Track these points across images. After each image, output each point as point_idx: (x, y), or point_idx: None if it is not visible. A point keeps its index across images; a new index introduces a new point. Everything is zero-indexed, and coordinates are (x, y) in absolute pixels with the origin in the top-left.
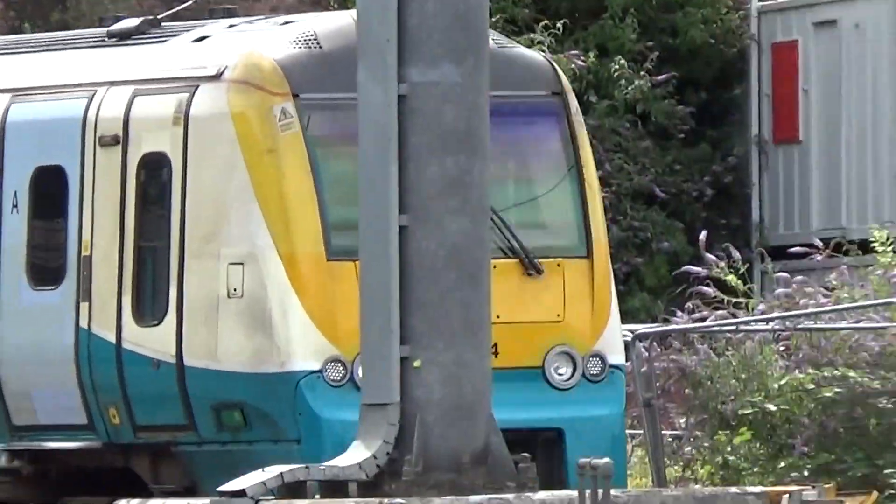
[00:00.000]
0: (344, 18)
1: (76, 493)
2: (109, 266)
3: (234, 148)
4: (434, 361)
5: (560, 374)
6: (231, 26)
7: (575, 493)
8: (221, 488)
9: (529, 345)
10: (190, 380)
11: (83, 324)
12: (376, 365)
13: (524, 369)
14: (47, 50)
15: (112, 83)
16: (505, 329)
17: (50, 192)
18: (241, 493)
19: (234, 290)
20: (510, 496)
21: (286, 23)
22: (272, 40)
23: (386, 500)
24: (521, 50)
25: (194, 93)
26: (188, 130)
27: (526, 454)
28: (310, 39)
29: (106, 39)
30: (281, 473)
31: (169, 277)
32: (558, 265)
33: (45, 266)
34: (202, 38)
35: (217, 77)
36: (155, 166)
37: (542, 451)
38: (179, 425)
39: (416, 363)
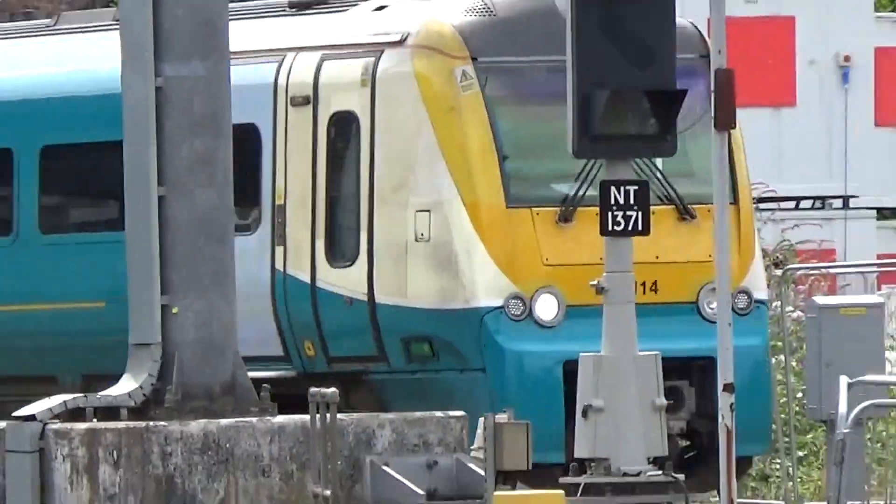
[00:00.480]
0: None
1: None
2: (303, 214)
3: (418, 107)
4: (189, 308)
5: (711, 309)
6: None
7: (307, 416)
8: (15, 413)
9: (684, 282)
10: (381, 315)
11: (278, 265)
12: (142, 312)
13: (680, 304)
14: (232, 19)
15: (300, 49)
16: (663, 268)
17: (244, 147)
18: (31, 418)
19: (422, 234)
20: (253, 420)
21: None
22: (450, 8)
23: (151, 424)
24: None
25: (379, 57)
26: (375, 91)
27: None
28: (485, 8)
29: (287, 10)
30: (64, 401)
31: (359, 224)
32: (709, 211)
33: (242, 214)
34: (381, 7)
35: (401, 42)
36: (344, 124)
37: (697, 376)
38: (371, 356)
39: (175, 310)
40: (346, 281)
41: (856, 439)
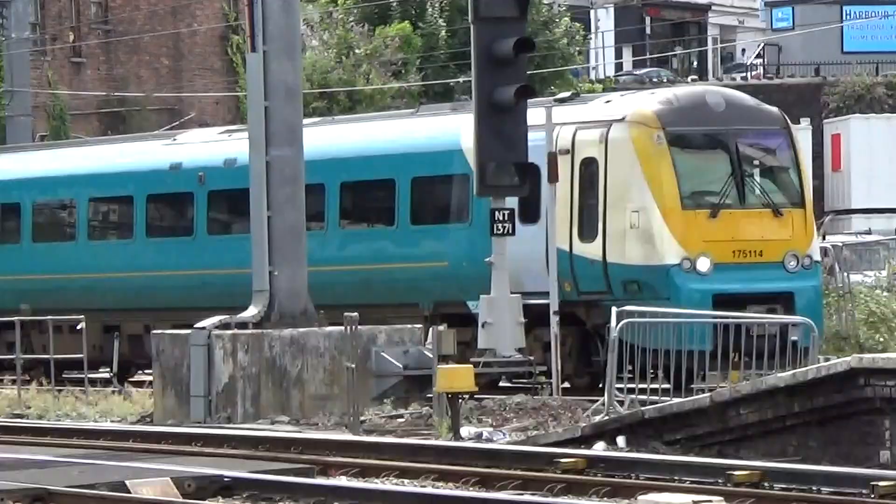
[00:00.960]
0: (687, 89)
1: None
2: (565, 213)
3: (632, 155)
4: (282, 273)
5: (790, 265)
6: (623, 95)
7: (342, 327)
8: (195, 325)
9: (776, 250)
10: (610, 269)
11: (551, 241)
12: (260, 274)
13: (774, 262)
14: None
15: (564, 123)
16: (765, 243)
17: (533, 176)
18: (203, 328)
19: (633, 224)
20: (315, 328)
21: (651, 93)
22: (649, 100)
23: (263, 331)
24: (769, 108)
25: (609, 127)
26: (607, 146)
27: None
28: (668, 100)
29: (555, 103)
30: (220, 319)
31: (597, 218)
32: (791, 212)
33: (531, 214)
34: (608, 101)
35: (621, 120)
36: (588, 164)
37: (783, 304)
38: (602, 291)
39: (275, 273)
40: (589, 250)
41: None
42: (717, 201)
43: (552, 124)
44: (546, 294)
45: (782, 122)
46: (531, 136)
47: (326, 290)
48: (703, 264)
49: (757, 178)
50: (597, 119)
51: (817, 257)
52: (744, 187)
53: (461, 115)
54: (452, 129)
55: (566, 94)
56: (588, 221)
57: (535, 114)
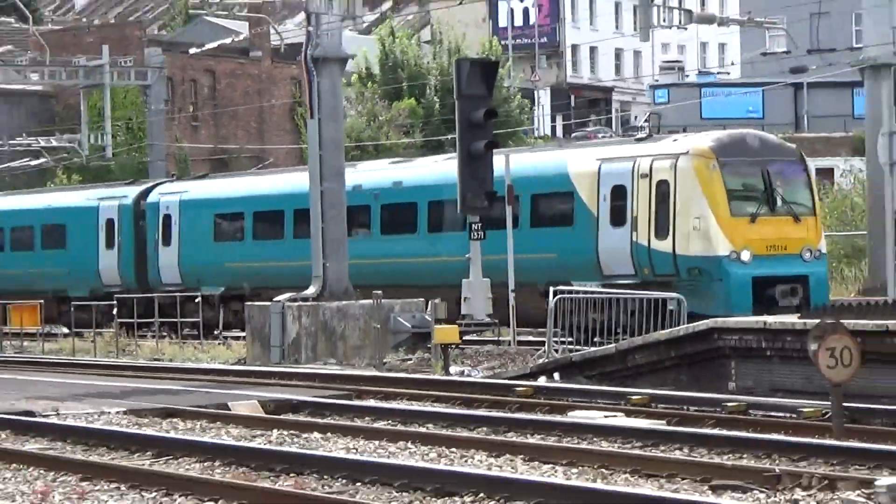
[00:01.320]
0: (731, 131)
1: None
2: (644, 217)
3: (694, 178)
4: (331, 264)
5: (806, 256)
6: (686, 136)
7: (371, 300)
8: (274, 299)
9: (796, 246)
10: (679, 259)
11: (633, 239)
12: (317, 264)
13: (794, 254)
14: (608, 144)
15: (642, 155)
16: (789, 241)
17: (617, 195)
18: (279, 302)
19: (696, 227)
20: (353, 301)
21: (707, 134)
22: (704, 139)
23: (319, 303)
24: (789, 144)
25: (677, 158)
26: (676, 172)
27: None
28: (720, 138)
29: (634, 141)
30: (290, 295)
31: (669, 221)
32: (806, 218)
33: (620, 219)
34: (675, 139)
35: (686, 153)
36: (662, 185)
37: (801, 284)
38: (672, 274)
39: (327, 264)
40: (663, 245)
41: None
42: (754, 211)
43: (633, 156)
44: (628, 276)
45: (799, 155)
46: (618, 165)
47: (490, 271)
48: (746, 256)
49: (782, 194)
50: (667, 152)
51: (824, 250)
52: (773, 201)
53: (567, 150)
54: (561, 160)
55: (643, 135)
56: (662, 225)
57: (619, 150)
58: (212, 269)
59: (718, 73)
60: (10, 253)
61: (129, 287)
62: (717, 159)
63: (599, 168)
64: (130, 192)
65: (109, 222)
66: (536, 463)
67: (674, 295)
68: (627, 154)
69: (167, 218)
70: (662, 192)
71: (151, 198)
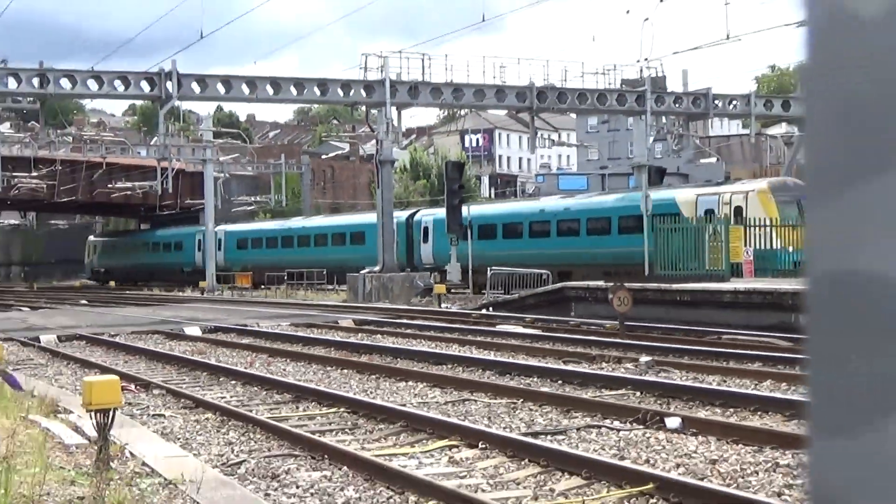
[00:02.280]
0: (778, 178)
1: None
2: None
3: (760, 205)
4: (387, 259)
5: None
6: (752, 181)
7: (415, 273)
8: (348, 274)
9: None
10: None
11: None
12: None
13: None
14: (701, 186)
15: (725, 192)
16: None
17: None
18: (358, 274)
19: (761, 236)
20: (400, 273)
21: (764, 178)
22: (763, 182)
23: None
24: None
25: (748, 193)
26: (748, 201)
27: None
28: (774, 181)
29: (720, 184)
30: (368, 271)
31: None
32: None
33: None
34: (743, 182)
35: (753, 190)
36: (738, 210)
37: None
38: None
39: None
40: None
41: None
42: (795, 225)
43: (719, 192)
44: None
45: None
46: (710, 197)
47: (582, 258)
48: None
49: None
50: (742, 190)
51: None
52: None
53: (674, 190)
54: (670, 194)
55: (722, 180)
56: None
57: (707, 189)
58: (445, 255)
59: (564, 169)
60: (330, 247)
61: (402, 267)
62: (772, 193)
63: (697, 199)
64: (403, 214)
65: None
66: (482, 349)
67: (545, 271)
68: (713, 191)
69: (426, 228)
70: (738, 213)
71: (416, 217)
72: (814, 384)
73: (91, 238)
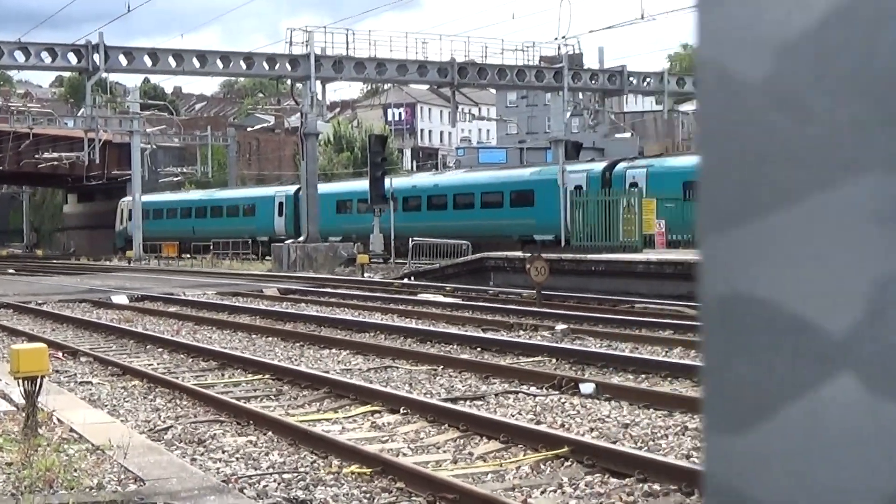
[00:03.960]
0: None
1: None
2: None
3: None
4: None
5: None
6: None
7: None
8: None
9: None
10: None
11: None
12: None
13: None
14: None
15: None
16: None
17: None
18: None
19: None
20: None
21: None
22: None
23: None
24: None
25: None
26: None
27: None
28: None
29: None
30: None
31: None
32: None
33: None
34: (591, 159)
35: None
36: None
37: None
38: None
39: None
40: None
41: None
42: None
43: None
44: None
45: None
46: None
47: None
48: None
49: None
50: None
51: None
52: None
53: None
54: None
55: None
56: None
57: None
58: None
59: (484, 142)
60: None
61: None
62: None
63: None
64: (282, 189)
65: (280, 204)
66: (403, 318)
67: (465, 242)
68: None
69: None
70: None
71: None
72: (707, 386)
73: (124, 200)
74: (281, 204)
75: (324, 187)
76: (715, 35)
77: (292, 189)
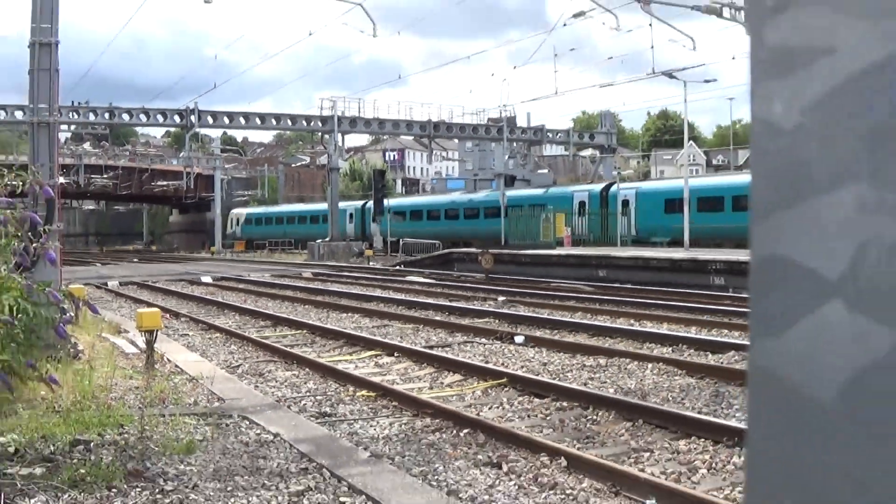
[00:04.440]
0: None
1: None
2: None
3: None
4: None
5: None
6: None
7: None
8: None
9: None
10: None
11: None
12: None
13: None
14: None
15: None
16: None
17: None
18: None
19: None
20: None
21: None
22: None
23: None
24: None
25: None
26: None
27: None
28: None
29: (543, 187)
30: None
31: None
32: None
33: None
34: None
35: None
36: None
37: None
38: None
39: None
40: None
41: None
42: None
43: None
44: None
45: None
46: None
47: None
48: None
49: None
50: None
51: None
52: None
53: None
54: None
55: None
56: None
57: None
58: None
59: (451, 175)
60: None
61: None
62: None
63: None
64: (351, 203)
65: (350, 214)
66: (396, 292)
67: (437, 241)
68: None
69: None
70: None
71: (367, 205)
72: (753, 310)
73: (234, 211)
74: (351, 214)
75: (344, 204)
76: (764, 99)
77: (360, 203)
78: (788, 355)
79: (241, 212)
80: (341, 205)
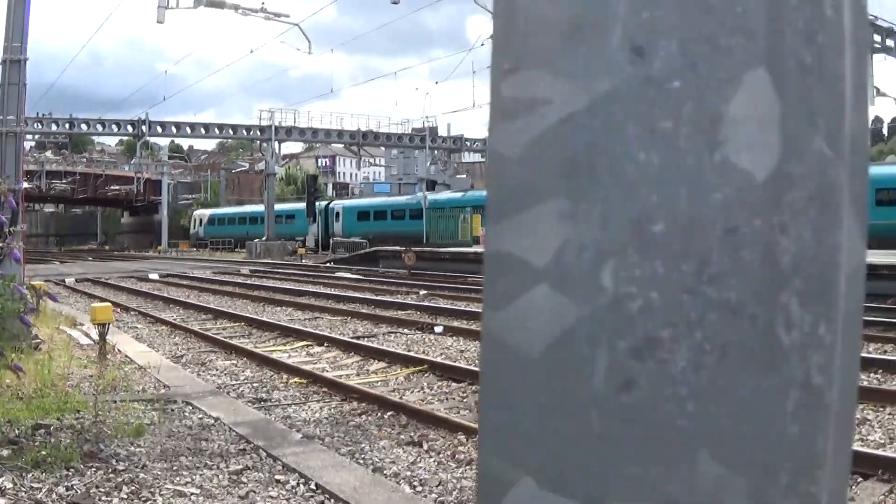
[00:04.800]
0: None
1: None
2: None
3: None
4: None
5: None
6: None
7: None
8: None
9: None
10: None
11: None
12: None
13: None
14: None
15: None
16: None
17: None
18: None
19: None
20: None
21: None
22: None
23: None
24: None
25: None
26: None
27: None
28: None
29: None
30: None
31: None
32: None
33: None
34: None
35: None
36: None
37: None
38: None
39: None
40: None
41: None
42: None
43: None
44: None
45: None
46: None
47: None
48: None
49: None
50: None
51: None
52: None
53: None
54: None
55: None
56: None
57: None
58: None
59: (377, 180)
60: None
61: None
62: None
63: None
64: (323, 203)
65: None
66: (326, 287)
67: (364, 240)
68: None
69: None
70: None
71: (330, 205)
72: (488, 289)
73: (197, 212)
74: (315, 215)
75: (281, 206)
76: (498, 136)
77: (323, 204)
78: (510, 324)
79: (203, 213)
80: (301, 206)
